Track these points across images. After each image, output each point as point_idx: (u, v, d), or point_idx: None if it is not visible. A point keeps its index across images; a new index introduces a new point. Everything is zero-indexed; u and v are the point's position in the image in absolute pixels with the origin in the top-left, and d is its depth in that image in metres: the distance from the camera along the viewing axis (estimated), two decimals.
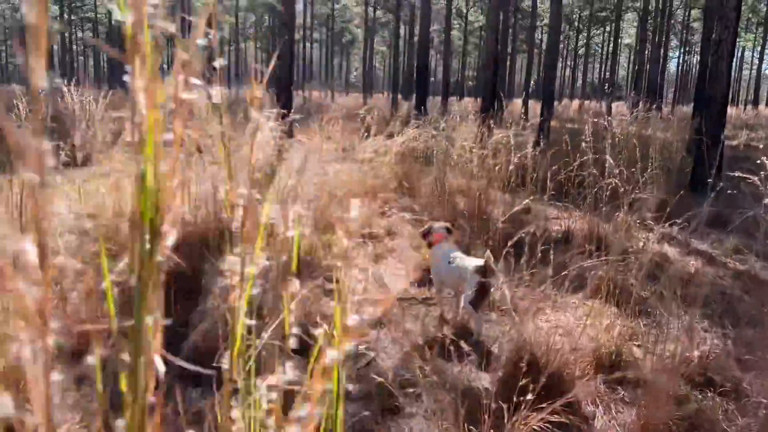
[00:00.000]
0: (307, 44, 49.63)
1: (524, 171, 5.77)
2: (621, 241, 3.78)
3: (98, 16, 46.23)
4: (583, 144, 4.79)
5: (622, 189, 4.36)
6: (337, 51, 60.65)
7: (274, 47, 37.41)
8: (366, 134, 8.15)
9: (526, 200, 4.51)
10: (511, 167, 5.27)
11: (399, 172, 6.42)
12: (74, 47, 60.26)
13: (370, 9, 41.93)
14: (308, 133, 12.25)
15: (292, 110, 15.56)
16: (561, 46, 47.32)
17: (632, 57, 48.83)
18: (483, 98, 11.50)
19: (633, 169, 5.01)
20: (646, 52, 25.54)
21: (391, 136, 7.13)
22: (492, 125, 8.04)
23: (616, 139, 5.91)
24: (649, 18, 25.48)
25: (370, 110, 8.84)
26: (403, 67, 38.67)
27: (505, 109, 17.50)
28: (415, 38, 25.42)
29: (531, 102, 25.01)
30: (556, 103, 37.65)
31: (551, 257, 3.08)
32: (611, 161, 4.39)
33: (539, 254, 3.37)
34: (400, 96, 35.16)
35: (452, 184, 5.69)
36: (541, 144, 8.17)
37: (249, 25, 53.01)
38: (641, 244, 3.84)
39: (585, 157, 4.74)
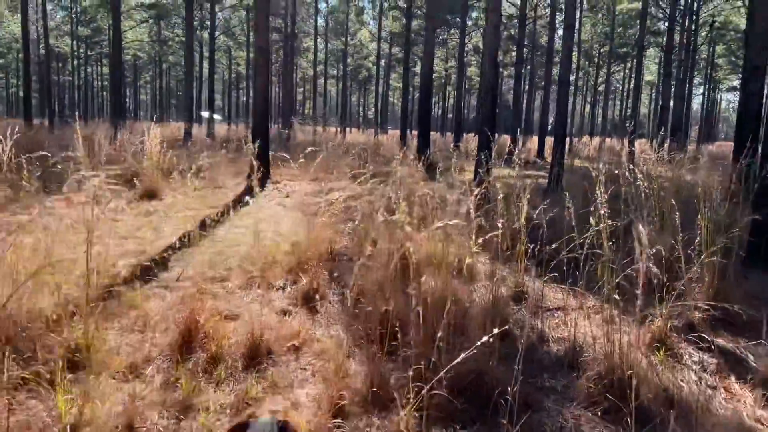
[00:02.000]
0: (320, 80, 49.00)
1: (519, 235, 4.13)
2: (657, 382, 2.21)
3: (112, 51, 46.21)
4: (601, 209, 3.09)
5: (657, 279, 2.72)
6: (355, 87, 59.96)
7: (292, 84, 36.74)
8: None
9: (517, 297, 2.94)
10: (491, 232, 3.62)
11: (348, 230, 4.84)
12: (95, 83, 60.43)
13: (386, 45, 41.25)
14: (290, 174, 10.92)
15: (271, 148, 14.24)
16: (581, 82, 45.83)
17: (653, 94, 47.13)
18: (479, 134, 10.01)
19: (673, 241, 3.41)
20: (672, 89, 24.00)
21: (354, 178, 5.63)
22: (488, 167, 6.54)
23: (642, 191, 4.27)
24: (673, 53, 23.97)
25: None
26: (419, 104, 37.53)
27: (522, 146, 15.93)
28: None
29: (549, 139, 23.49)
30: (575, 139, 36.05)
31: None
32: (643, 232, 2.76)
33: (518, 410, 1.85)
34: (416, 132, 34.00)
35: (420, 252, 4.12)
36: (550, 195, 6.63)
37: None
38: (693, 376, 2.27)
39: (599, 226, 3.11)
